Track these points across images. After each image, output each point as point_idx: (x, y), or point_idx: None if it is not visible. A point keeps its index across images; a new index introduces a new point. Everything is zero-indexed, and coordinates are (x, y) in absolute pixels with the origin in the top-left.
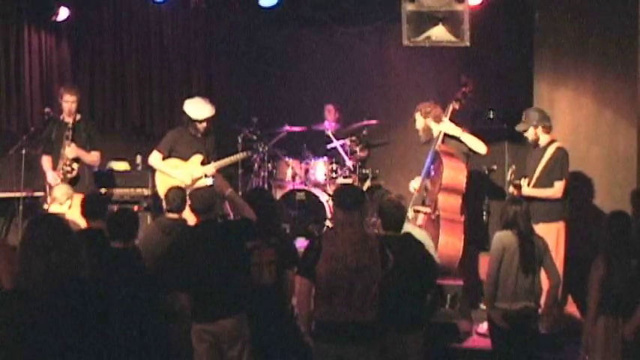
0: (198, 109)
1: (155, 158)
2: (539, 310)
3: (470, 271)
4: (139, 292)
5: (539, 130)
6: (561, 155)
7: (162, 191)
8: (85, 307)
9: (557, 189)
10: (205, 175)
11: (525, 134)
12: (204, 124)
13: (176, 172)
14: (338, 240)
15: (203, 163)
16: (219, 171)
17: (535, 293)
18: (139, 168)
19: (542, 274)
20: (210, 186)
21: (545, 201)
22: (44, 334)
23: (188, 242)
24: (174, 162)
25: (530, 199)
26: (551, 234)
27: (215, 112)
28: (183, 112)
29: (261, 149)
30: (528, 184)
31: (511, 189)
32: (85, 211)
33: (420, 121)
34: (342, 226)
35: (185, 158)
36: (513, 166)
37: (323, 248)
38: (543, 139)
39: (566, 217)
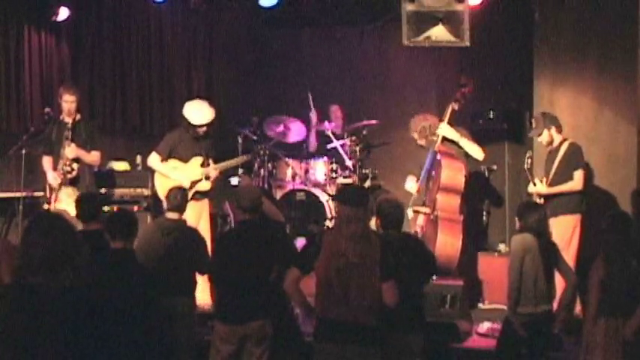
0: (197, 113)
1: (154, 160)
2: (555, 310)
3: (470, 271)
4: (138, 293)
5: (553, 130)
6: (574, 149)
7: (161, 192)
8: (84, 307)
9: (577, 180)
10: (206, 177)
11: (540, 139)
12: (204, 128)
13: (175, 174)
14: (340, 236)
15: (203, 166)
16: (245, 172)
17: (552, 296)
18: (139, 168)
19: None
20: (236, 186)
21: (563, 193)
22: (43, 330)
23: (230, 239)
24: (173, 163)
25: (551, 196)
26: (569, 226)
27: (215, 114)
28: (183, 116)
29: (262, 152)
30: (546, 183)
31: (532, 188)
32: (80, 213)
33: (419, 140)
34: (346, 221)
35: (185, 160)
36: (530, 152)
37: (324, 245)
38: (557, 139)
39: (583, 210)
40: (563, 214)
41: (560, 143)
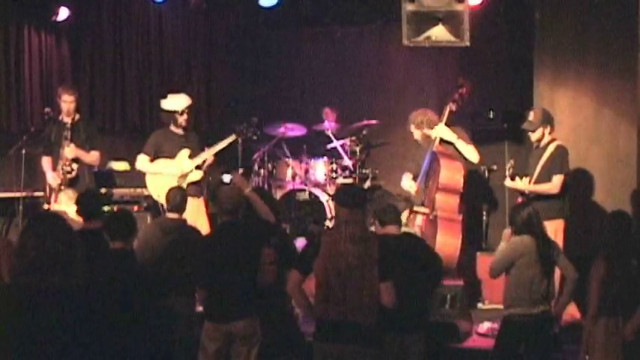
0: (176, 101)
1: (142, 161)
2: (554, 309)
3: (469, 271)
4: (137, 293)
5: (547, 130)
6: (561, 152)
7: (154, 192)
8: (81, 307)
9: (554, 183)
10: (197, 167)
11: (532, 134)
12: (186, 116)
13: (165, 169)
14: (340, 238)
15: (191, 157)
16: (239, 170)
17: (550, 297)
18: None
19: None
20: (228, 184)
21: (544, 198)
22: (38, 330)
23: (212, 241)
24: (162, 162)
25: (531, 195)
26: (549, 232)
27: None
28: (162, 111)
29: (244, 131)
30: (529, 182)
31: (509, 183)
32: (81, 211)
33: (416, 133)
34: (345, 223)
35: (172, 157)
36: (512, 161)
37: (322, 246)
38: (546, 138)
39: (566, 215)
40: (542, 219)
41: (548, 143)
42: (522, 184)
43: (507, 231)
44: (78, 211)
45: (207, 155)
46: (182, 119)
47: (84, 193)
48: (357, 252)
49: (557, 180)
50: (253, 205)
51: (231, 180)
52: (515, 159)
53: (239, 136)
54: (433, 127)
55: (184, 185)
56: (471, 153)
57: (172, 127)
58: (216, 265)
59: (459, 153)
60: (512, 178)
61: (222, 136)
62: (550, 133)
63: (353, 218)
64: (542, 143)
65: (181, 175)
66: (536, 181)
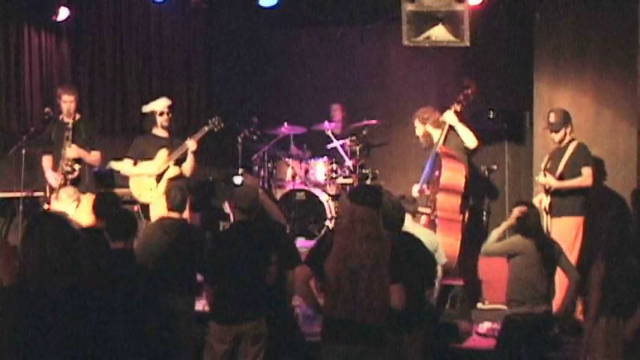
0: (156, 102)
1: (126, 164)
2: (555, 311)
3: (470, 271)
4: (138, 292)
5: (568, 129)
6: (582, 148)
7: (135, 192)
8: (83, 307)
9: (586, 175)
10: (176, 163)
11: (554, 135)
12: (165, 116)
13: (146, 169)
14: (355, 237)
15: (169, 155)
16: (247, 171)
17: (550, 296)
18: None
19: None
20: (238, 185)
21: (568, 194)
22: (42, 332)
23: (225, 240)
24: (143, 164)
25: (557, 192)
26: (572, 228)
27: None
28: (143, 118)
29: (217, 122)
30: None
31: (542, 179)
32: (97, 211)
33: (419, 129)
34: (361, 222)
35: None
36: (549, 154)
37: (335, 245)
38: (567, 138)
39: (587, 212)
40: (567, 216)
41: (568, 143)
42: (553, 180)
43: (519, 209)
44: (94, 211)
45: (186, 147)
46: (162, 119)
47: (101, 194)
48: (372, 251)
49: (587, 172)
50: (265, 207)
51: (242, 182)
52: (516, 163)
53: (212, 128)
54: (437, 126)
55: (164, 183)
56: (469, 137)
57: (155, 131)
58: (228, 265)
59: (461, 148)
60: (546, 171)
61: (222, 137)
62: (570, 133)
63: (369, 217)
64: (563, 143)
65: (159, 172)
66: (560, 179)
